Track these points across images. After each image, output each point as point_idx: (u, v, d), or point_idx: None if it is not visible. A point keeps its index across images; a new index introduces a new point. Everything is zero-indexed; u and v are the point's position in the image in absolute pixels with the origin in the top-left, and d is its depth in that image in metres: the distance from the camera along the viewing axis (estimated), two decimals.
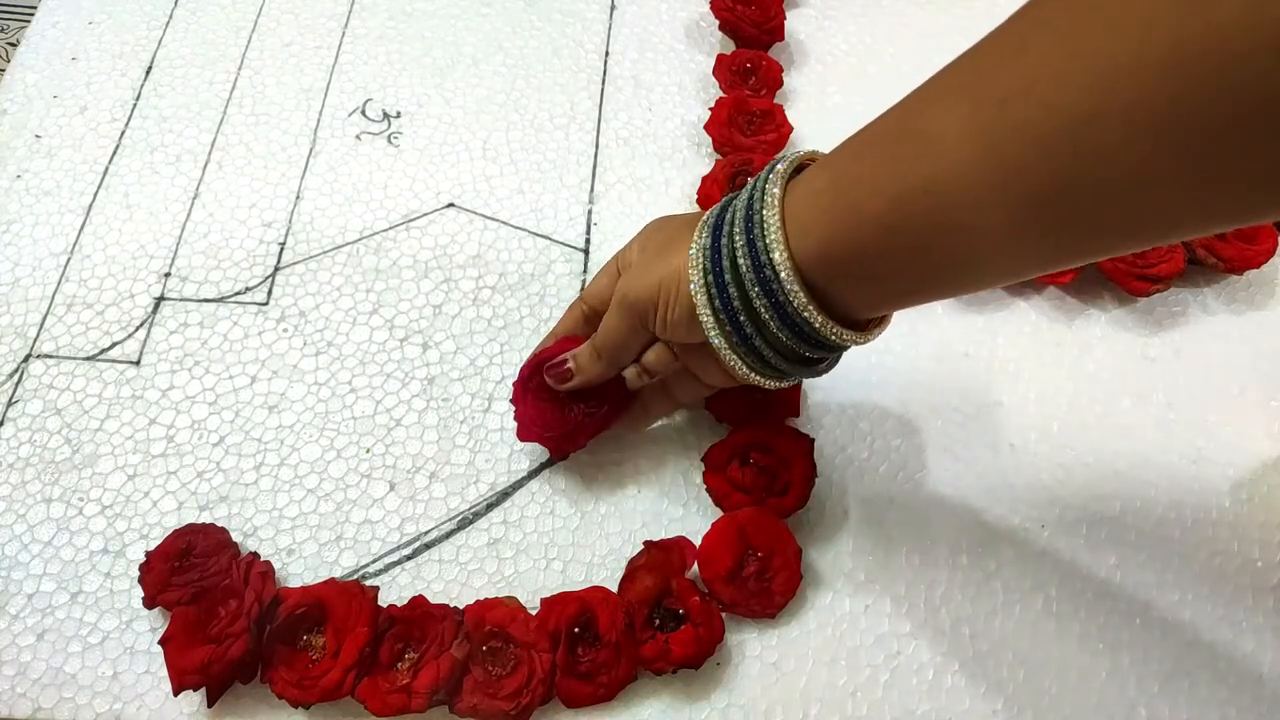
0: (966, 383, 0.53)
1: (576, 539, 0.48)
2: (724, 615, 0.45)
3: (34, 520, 0.47)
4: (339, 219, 0.57)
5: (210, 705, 0.42)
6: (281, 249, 0.56)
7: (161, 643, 0.42)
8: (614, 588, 0.45)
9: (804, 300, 0.36)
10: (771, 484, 0.47)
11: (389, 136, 0.61)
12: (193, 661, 0.41)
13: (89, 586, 0.45)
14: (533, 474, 0.50)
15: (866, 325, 0.39)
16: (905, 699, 0.45)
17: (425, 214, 0.58)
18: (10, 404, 0.50)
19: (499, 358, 0.53)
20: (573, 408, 0.47)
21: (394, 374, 0.52)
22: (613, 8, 0.67)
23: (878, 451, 0.51)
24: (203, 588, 0.43)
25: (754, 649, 0.45)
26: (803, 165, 0.38)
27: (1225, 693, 0.46)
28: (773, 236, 0.36)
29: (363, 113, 0.62)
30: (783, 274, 0.36)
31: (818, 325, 0.36)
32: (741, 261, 0.37)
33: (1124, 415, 0.53)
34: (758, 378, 0.41)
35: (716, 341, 0.39)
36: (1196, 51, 0.22)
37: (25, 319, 0.53)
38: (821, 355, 0.40)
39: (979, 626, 0.47)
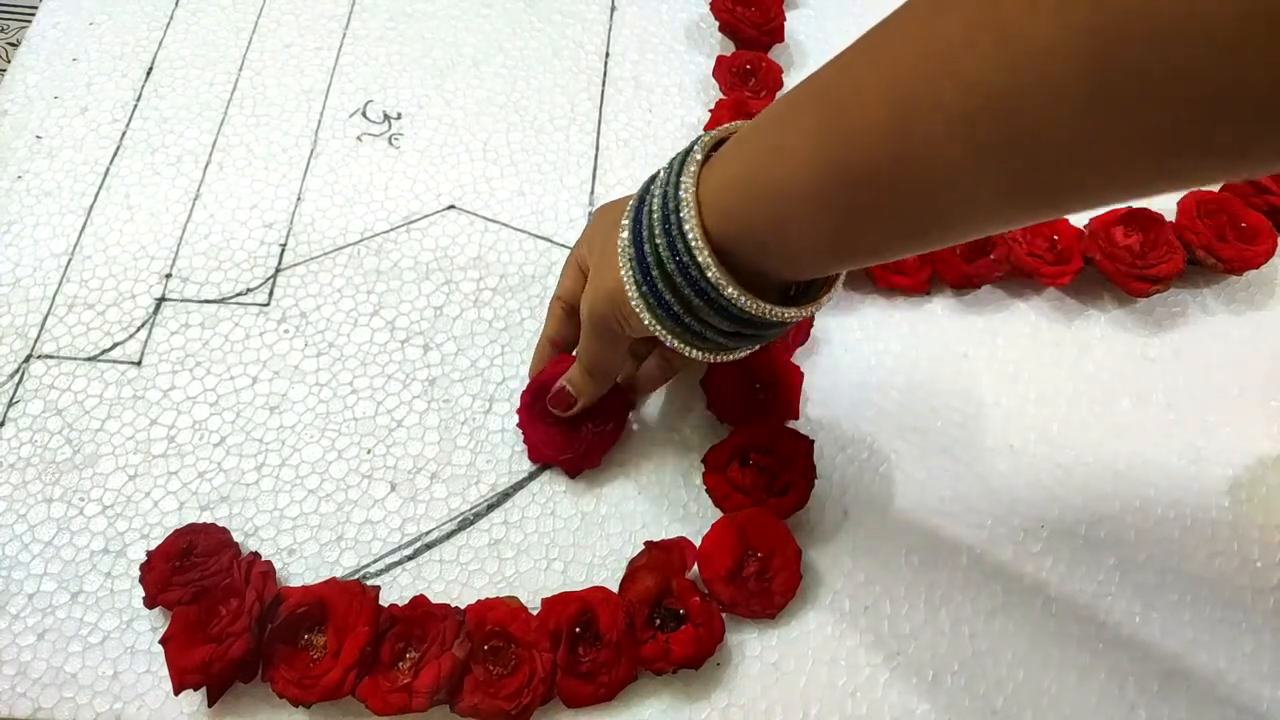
0: (966, 383, 0.53)
1: (577, 539, 0.48)
2: (724, 615, 0.45)
3: (35, 520, 0.47)
4: (340, 220, 0.57)
5: (211, 705, 0.42)
6: (282, 250, 0.56)
7: (162, 642, 0.42)
8: (614, 588, 0.45)
9: (735, 293, 0.35)
10: (771, 484, 0.47)
11: (390, 138, 0.61)
12: (193, 661, 0.41)
13: (89, 586, 0.45)
14: (533, 475, 0.50)
15: (816, 292, 0.38)
16: (905, 699, 0.45)
17: (426, 215, 0.58)
18: (11, 404, 0.50)
19: (500, 359, 0.53)
20: (581, 427, 0.48)
21: (395, 375, 0.52)
22: (613, 9, 0.68)
23: (878, 451, 0.51)
24: (203, 587, 0.43)
25: (754, 649, 0.45)
26: (722, 140, 0.37)
27: (1225, 692, 0.46)
28: (692, 236, 0.35)
29: (363, 114, 0.62)
30: (709, 273, 0.35)
31: (755, 311, 0.36)
32: (668, 265, 0.36)
33: (1124, 415, 0.53)
34: (724, 356, 0.41)
35: (670, 341, 0.39)
36: (1111, 33, 0.22)
37: (26, 319, 0.53)
38: (772, 329, 0.39)
39: (979, 626, 0.47)
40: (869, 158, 0.29)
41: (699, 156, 0.36)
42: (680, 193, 0.35)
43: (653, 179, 0.39)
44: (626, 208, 0.40)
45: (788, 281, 0.38)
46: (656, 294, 0.37)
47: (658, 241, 0.36)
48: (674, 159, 0.37)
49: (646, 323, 0.39)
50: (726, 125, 0.37)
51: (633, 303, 0.39)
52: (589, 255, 0.44)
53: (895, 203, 0.30)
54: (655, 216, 0.37)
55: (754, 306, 0.36)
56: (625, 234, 0.39)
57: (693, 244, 0.35)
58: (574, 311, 0.46)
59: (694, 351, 0.40)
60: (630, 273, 0.38)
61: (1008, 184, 0.27)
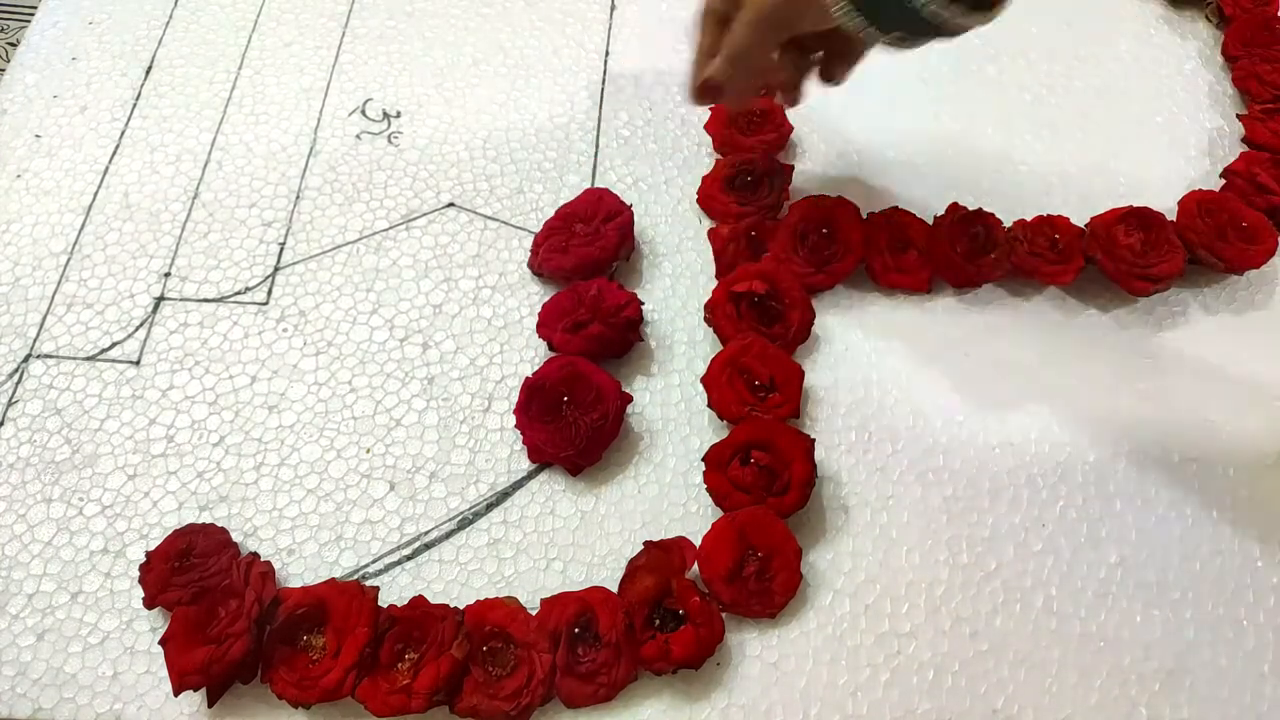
0: (967, 382, 0.53)
1: (576, 539, 0.48)
2: (724, 615, 0.45)
3: (34, 520, 0.47)
4: (339, 218, 0.57)
5: (210, 705, 0.42)
6: (281, 249, 0.56)
7: (162, 643, 0.42)
8: (614, 588, 0.45)
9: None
10: (771, 484, 0.47)
11: (389, 136, 0.61)
12: (193, 662, 0.41)
13: (89, 586, 0.45)
14: (532, 474, 0.50)
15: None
16: (905, 699, 0.45)
17: (425, 213, 0.58)
18: (10, 404, 0.50)
19: (499, 357, 0.53)
20: (578, 425, 0.48)
21: (394, 374, 0.52)
22: (613, 7, 0.67)
23: (878, 451, 0.51)
24: (203, 588, 0.43)
25: (754, 649, 0.45)
26: None
27: (1225, 693, 0.46)
28: None
29: (363, 112, 0.62)
30: None
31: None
32: None
33: (1124, 415, 0.53)
34: (888, 40, 0.44)
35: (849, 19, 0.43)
36: None
37: (25, 319, 0.53)
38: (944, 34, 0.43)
39: (979, 626, 0.47)
40: None
41: None
42: None
43: None
44: None
45: None
46: None
47: None
48: None
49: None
50: None
51: None
52: None
53: None
54: None
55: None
56: None
57: None
58: (725, 20, 0.48)
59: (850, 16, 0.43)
60: None
61: None
